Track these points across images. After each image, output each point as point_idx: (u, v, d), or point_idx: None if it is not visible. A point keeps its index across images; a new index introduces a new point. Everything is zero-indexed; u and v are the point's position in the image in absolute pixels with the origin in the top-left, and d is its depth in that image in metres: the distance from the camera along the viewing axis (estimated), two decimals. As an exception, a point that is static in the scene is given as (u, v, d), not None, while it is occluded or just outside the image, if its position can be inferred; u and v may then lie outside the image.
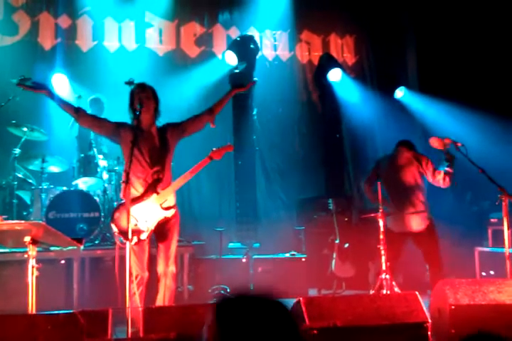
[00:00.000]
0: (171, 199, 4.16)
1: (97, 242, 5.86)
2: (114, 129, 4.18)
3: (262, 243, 6.89)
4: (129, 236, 3.61)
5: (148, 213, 4.04)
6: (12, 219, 5.53)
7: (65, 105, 4.19)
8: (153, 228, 4.06)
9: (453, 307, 3.95)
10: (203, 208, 7.74)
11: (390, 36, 8.76)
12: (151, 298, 4.15)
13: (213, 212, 7.70)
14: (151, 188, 4.08)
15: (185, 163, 4.41)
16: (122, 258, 3.64)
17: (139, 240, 3.98)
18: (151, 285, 4.17)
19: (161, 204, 4.08)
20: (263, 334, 1.44)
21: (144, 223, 4.02)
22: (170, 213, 4.11)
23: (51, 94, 4.11)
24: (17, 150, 6.08)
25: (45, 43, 7.70)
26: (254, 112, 8.10)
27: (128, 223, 3.58)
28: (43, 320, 3.09)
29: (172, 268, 4.18)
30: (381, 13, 8.65)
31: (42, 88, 4.04)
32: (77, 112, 4.16)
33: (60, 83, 7.28)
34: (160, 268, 4.16)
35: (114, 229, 4.00)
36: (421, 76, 8.67)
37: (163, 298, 4.13)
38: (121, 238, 3.93)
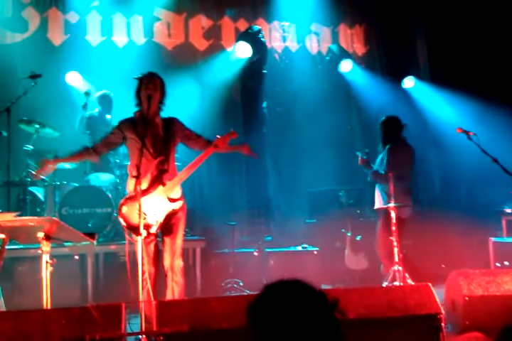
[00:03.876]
0: (177, 191, 4.07)
1: (110, 237, 5.90)
2: (121, 134, 4.16)
3: (273, 236, 6.89)
4: (141, 230, 3.61)
5: (155, 206, 3.95)
6: (26, 216, 5.58)
7: (78, 156, 4.27)
8: (162, 221, 3.96)
9: (467, 298, 3.93)
10: (214, 202, 7.73)
11: (400, 26, 8.67)
12: (161, 293, 4.06)
13: (225, 206, 7.67)
14: (157, 180, 4.00)
15: (191, 156, 4.38)
16: (133, 253, 3.63)
17: (149, 234, 3.87)
18: (161, 280, 4.09)
19: (168, 196, 3.99)
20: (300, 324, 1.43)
21: (153, 216, 3.92)
22: (177, 205, 4.03)
23: (59, 159, 4.24)
24: (29, 147, 6.13)
25: (55, 39, 7.74)
26: (264, 105, 8.06)
27: (140, 218, 3.57)
28: (57, 315, 3.11)
29: (179, 262, 4.08)
30: (390, 3, 8.56)
31: (48, 162, 4.12)
32: (91, 151, 4.21)
33: (74, 81, 7.31)
34: (166, 262, 4.06)
35: (123, 223, 3.94)
36: (432, 65, 8.58)
37: (172, 294, 4.03)
38: (131, 233, 3.87)
